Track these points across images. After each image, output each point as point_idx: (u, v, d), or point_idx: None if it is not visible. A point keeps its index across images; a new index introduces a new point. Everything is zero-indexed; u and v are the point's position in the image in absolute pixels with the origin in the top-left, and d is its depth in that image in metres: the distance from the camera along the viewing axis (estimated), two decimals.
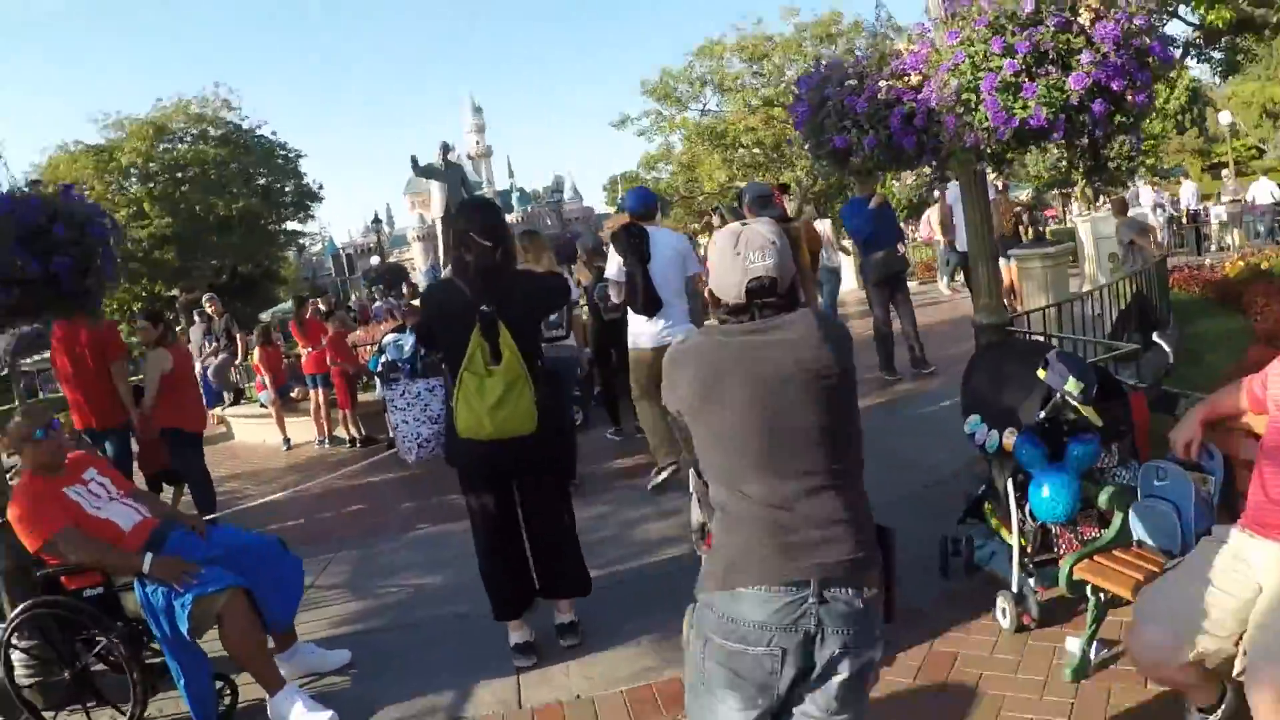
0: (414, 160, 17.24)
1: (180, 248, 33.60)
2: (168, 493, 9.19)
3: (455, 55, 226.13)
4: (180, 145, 35.20)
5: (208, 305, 16.66)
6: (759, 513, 2.53)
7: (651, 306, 7.23)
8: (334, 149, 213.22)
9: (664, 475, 7.57)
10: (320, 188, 40.80)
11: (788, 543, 2.48)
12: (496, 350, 4.37)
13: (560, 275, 4.93)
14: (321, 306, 16.05)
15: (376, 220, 42.52)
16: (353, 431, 12.15)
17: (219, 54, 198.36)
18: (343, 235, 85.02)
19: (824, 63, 5.97)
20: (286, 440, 13.12)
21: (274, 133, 37.94)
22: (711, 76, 37.20)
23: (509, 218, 72.56)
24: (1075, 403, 3.86)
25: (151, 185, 34.17)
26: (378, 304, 21.65)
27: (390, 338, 10.66)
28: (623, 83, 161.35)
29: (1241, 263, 15.51)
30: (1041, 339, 6.63)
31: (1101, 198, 31.49)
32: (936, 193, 13.35)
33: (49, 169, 33.43)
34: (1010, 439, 4.14)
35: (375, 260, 51.93)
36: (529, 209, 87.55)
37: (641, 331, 7.43)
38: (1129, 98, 4.69)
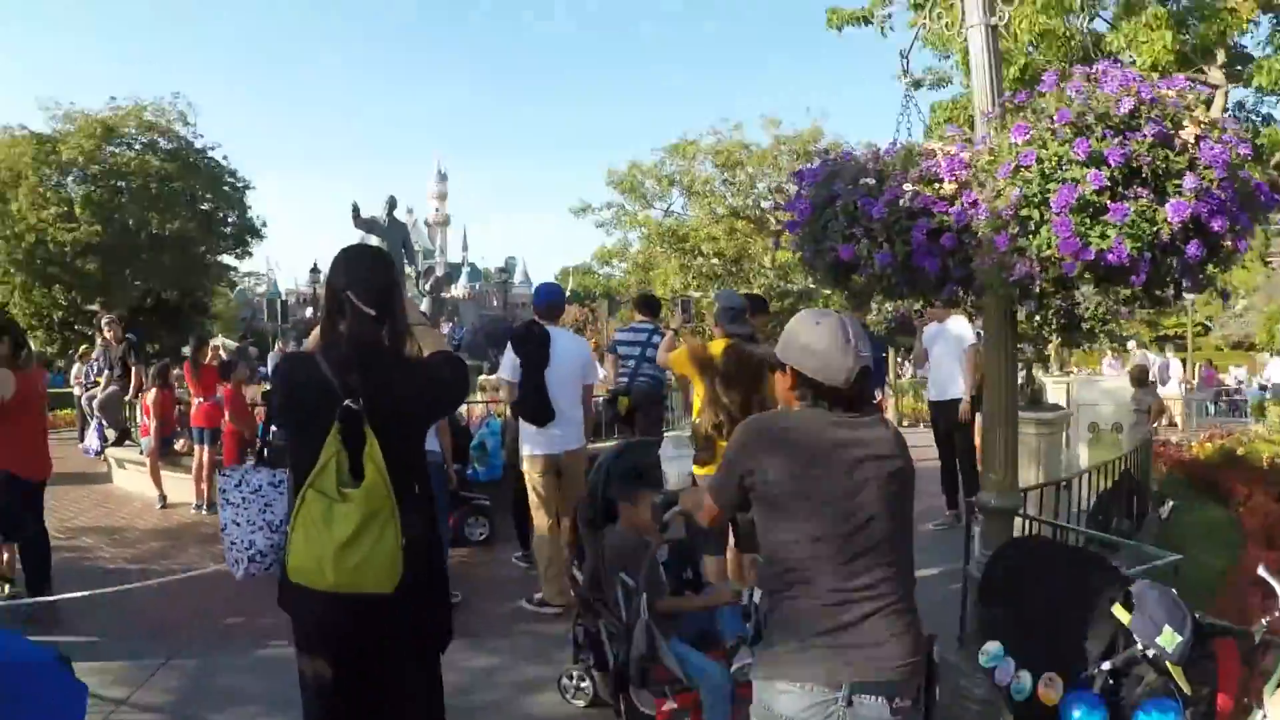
0: (355, 209, 16.21)
1: (104, 260, 31.94)
2: None
3: (427, 119, 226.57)
4: (127, 151, 33.67)
5: (105, 329, 15.22)
6: (815, 608, 2.65)
7: (544, 415, 6.96)
8: (297, 187, 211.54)
9: (546, 611, 7.04)
10: (264, 225, 39.25)
11: (836, 645, 2.61)
12: (358, 465, 3.08)
13: (459, 361, 3.62)
14: (223, 354, 14.75)
15: (315, 270, 41.04)
16: None
17: (185, 67, 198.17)
18: (289, 281, 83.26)
19: (832, 155, 4.97)
20: (162, 497, 11.68)
21: (225, 157, 36.58)
22: (681, 177, 36.55)
23: (456, 291, 71.83)
24: (1165, 660, 2.74)
25: (90, 188, 32.66)
26: None
27: None
28: (590, 173, 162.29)
29: (1209, 444, 14.88)
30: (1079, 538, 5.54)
31: (1065, 362, 31.02)
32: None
33: None
34: (1051, 692, 2.99)
35: (310, 312, 50.33)
36: (478, 286, 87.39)
37: (532, 439, 7.10)
38: (1227, 243, 3.68)
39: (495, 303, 77.40)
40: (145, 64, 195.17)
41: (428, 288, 17.75)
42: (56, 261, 31.52)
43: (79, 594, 6.87)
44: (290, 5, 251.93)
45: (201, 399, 11.58)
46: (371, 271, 3.38)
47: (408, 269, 17.39)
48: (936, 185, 4.30)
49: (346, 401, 3.08)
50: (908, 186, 4.31)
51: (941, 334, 10.16)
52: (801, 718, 2.59)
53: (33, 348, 8.18)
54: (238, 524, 3.45)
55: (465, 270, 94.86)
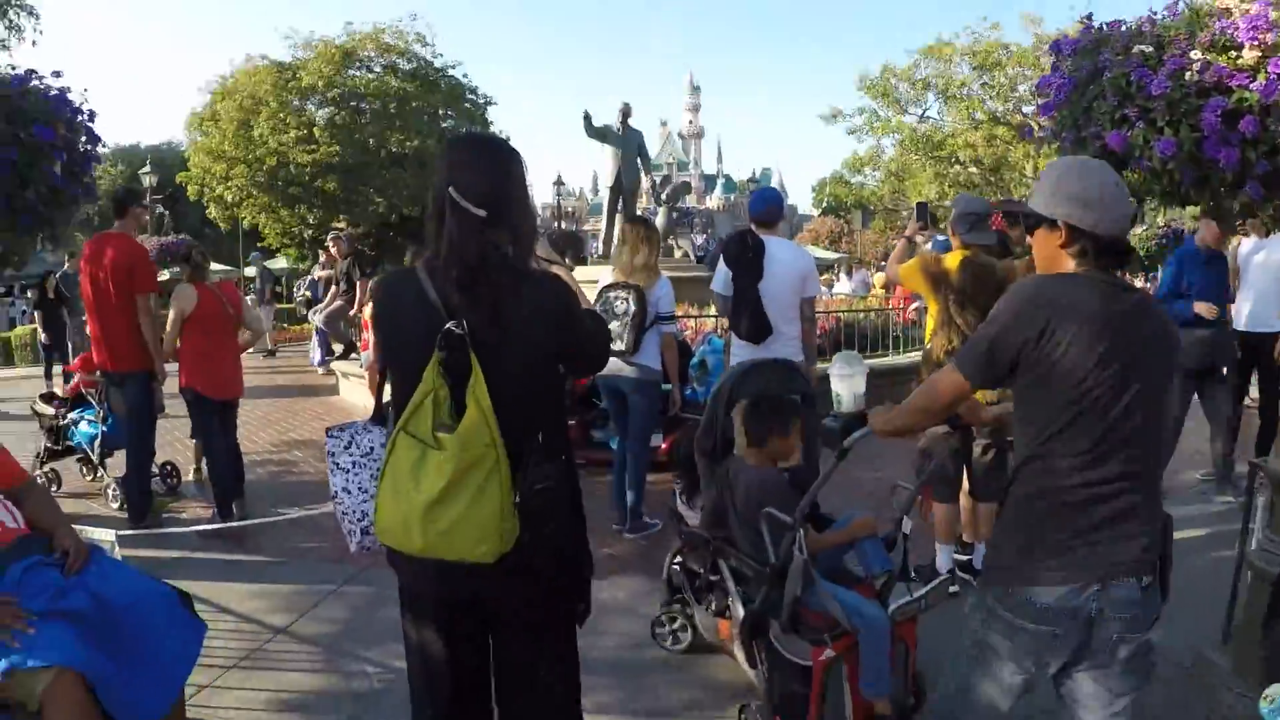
0: (587, 117, 15.74)
1: (344, 179, 32.50)
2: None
3: (676, 28, 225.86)
4: (366, 74, 34.38)
5: (330, 244, 15.49)
6: (1073, 492, 2.59)
7: (759, 332, 6.44)
8: (546, 104, 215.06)
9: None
10: (508, 138, 39.16)
11: (1091, 534, 2.58)
12: (461, 403, 2.49)
13: (601, 320, 2.99)
14: None
15: (559, 181, 41.40)
16: None
17: None
18: (543, 195, 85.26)
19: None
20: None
21: (465, 75, 36.83)
22: (936, 80, 34.77)
23: (711, 202, 71.98)
24: None
25: (331, 110, 33.43)
26: None
27: None
28: (845, 78, 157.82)
29: None
30: None
31: None
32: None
33: (232, 81, 33.35)
34: None
35: (558, 225, 50.88)
36: (733, 197, 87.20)
37: (746, 356, 6.26)
38: None
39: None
40: None
41: (665, 196, 17.20)
42: (298, 182, 32.28)
43: (257, 521, 6.80)
44: None
45: None
46: (481, 161, 2.75)
47: (643, 179, 16.87)
48: (1234, 54, 3.45)
49: (449, 324, 2.52)
50: (1196, 54, 3.48)
51: (1264, 251, 8.48)
52: (1057, 606, 2.59)
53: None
54: (348, 491, 2.95)
55: (720, 182, 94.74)
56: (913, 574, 4.38)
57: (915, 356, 12.28)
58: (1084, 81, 3.75)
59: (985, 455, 5.66)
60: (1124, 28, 3.81)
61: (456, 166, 2.69)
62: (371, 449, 2.94)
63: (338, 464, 2.99)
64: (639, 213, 19.96)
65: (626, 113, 16.25)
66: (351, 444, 2.97)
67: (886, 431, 3.22)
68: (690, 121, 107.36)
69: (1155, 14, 3.87)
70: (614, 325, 6.73)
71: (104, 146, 7.80)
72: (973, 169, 34.50)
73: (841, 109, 36.52)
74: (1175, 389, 2.15)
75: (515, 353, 2.61)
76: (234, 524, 7.12)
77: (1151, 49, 3.53)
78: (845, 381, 3.69)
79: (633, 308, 6.72)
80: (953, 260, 5.53)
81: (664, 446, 8.71)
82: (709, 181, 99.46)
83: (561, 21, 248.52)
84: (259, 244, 37.07)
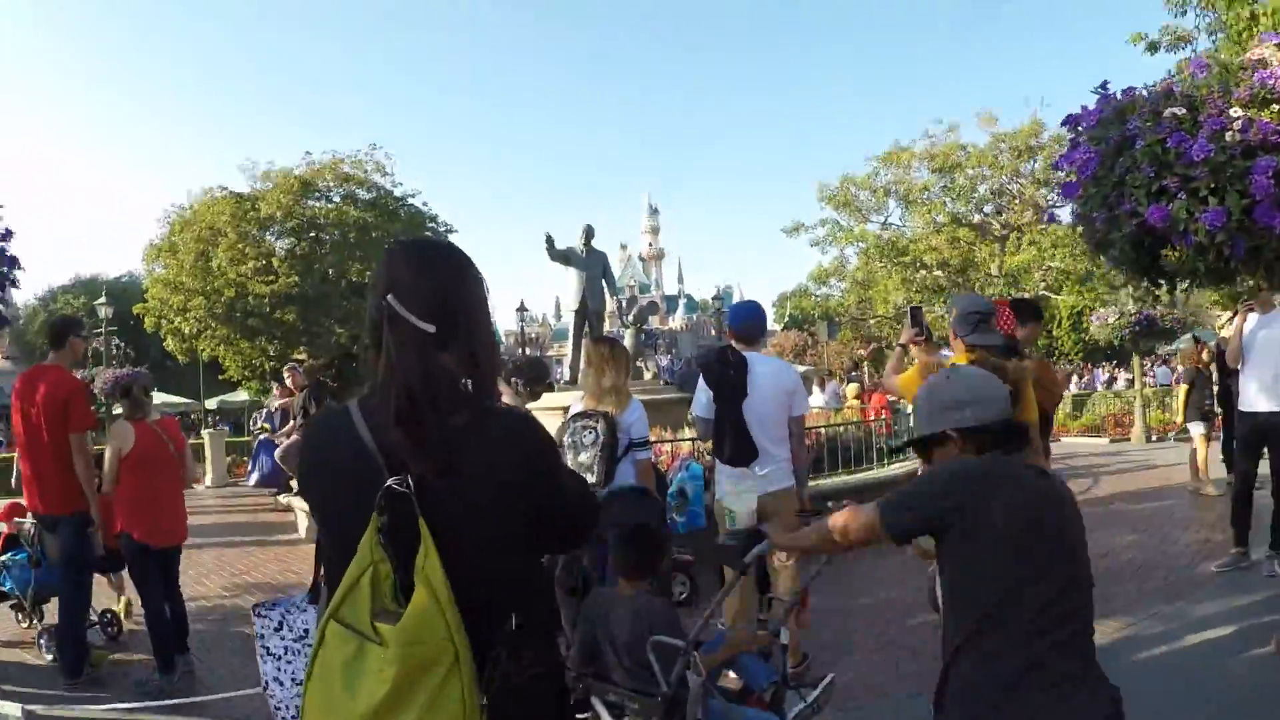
0: (549, 240, 15.29)
1: (303, 309, 32.30)
2: None
3: (630, 151, 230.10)
4: (325, 204, 34.31)
5: (287, 375, 14.96)
6: (1018, 662, 2.50)
7: (744, 455, 6.02)
8: (503, 236, 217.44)
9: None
10: None
11: (1036, 704, 2.48)
12: (408, 583, 1.90)
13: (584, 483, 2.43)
14: None
15: (521, 308, 41.11)
16: None
17: (380, 120, 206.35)
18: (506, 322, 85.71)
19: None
20: None
21: (425, 204, 36.86)
22: (896, 186, 34.98)
23: (674, 323, 72.30)
24: None
25: (290, 241, 33.31)
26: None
27: None
28: (803, 192, 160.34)
29: None
30: None
31: None
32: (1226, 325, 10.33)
33: (190, 212, 33.28)
34: None
35: (521, 351, 50.46)
36: (695, 317, 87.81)
37: (730, 480, 6.09)
38: None
39: (712, 332, 77.60)
40: (341, 124, 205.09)
41: (632, 318, 16.75)
42: (257, 313, 32.05)
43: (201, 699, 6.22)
44: (483, 56, 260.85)
45: None
46: (428, 265, 2.17)
47: (609, 301, 16.45)
48: (1276, 107, 3.01)
49: (390, 480, 1.94)
50: (1235, 112, 3.02)
51: (1267, 330, 8.18)
52: None
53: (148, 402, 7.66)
54: (280, 683, 2.36)
55: (682, 302, 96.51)
56: (791, 683, 4.35)
57: (898, 470, 11.82)
58: (1111, 154, 3.33)
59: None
60: (1145, 92, 3.42)
61: (397, 272, 2.12)
62: (306, 631, 2.36)
63: (268, 649, 2.41)
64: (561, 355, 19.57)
65: (589, 234, 15.83)
66: (283, 625, 2.39)
67: (786, 547, 3.31)
68: (650, 244, 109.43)
69: (1172, 76, 3.47)
70: (583, 457, 6.22)
71: (21, 270, 7.22)
72: (938, 272, 34.50)
73: (804, 222, 36.60)
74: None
75: (478, 514, 2.01)
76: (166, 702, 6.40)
77: (1184, 110, 3.13)
78: (739, 499, 3.85)
79: (603, 436, 6.20)
80: (958, 363, 5.05)
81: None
82: (671, 302, 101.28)
83: (518, 152, 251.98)
84: (220, 376, 36.75)
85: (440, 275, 2.16)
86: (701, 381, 6.33)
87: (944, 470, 2.76)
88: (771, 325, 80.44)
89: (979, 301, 5.41)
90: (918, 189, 34.37)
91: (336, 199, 34.71)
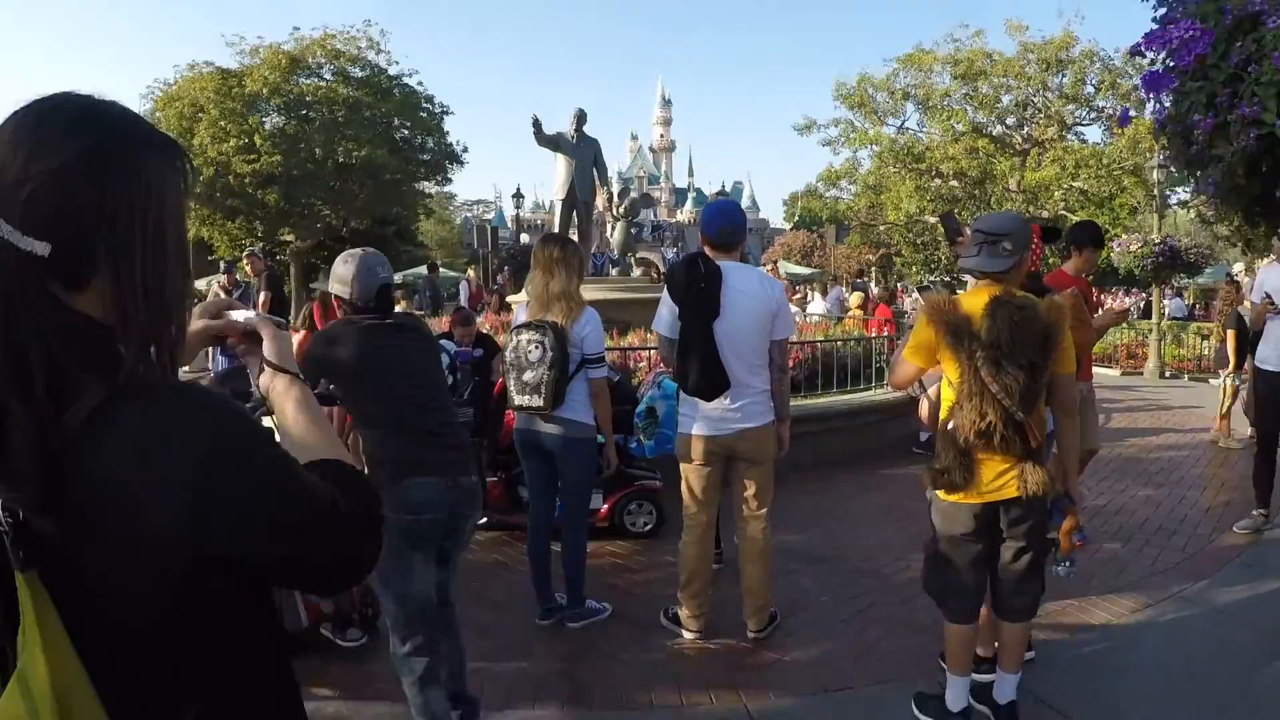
0: (536, 124, 14.11)
1: (287, 189, 31.18)
2: None
3: (645, 35, 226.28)
4: (316, 81, 33.01)
5: (245, 263, 13.95)
6: None
7: (713, 386, 5.08)
8: (509, 120, 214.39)
9: (683, 636, 5.49)
10: (465, 150, 37.57)
11: None
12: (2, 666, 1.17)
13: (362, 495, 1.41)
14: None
15: (517, 194, 39.78)
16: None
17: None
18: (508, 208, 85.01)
19: None
20: None
21: (421, 83, 35.40)
22: (916, 90, 33.55)
23: (681, 216, 72.18)
24: None
25: (279, 119, 32.09)
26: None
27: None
28: (821, 88, 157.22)
29: None
30: None
31: None
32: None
33: (175, 88, 32.18)
34: None
35: (525, 239, 49.12)
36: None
37: (696, 415, 5.25)
38: None
39: None
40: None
41: (623, 210, 15.54)
42: (238, 193, 31.16)
43: None
44: None
45: None
46: (41, 144, 1.22)
47: (599, 191, 15.37)
48: None
49: None
50: None
51: None
52: None
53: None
54: None
55: (691, 196, 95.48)
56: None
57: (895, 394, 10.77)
58: (1224, 36, 2.36)
59: (1016, 561, 4.24)
60: None
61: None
62: None
63: None
64: (597, 228, 18.46)
65: (581, 119, 14.63)
66: None
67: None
68: (661, 135, 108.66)
69: None
70: (528, 376, 5.31)
71: None
72: (954, 182, 33.27)
73: (816, 120, 35.20)
74: None
75: (109, 570, 1.22)
76: None
77: None
78: None
79: (551, 352, 5.28)
80: (974, 302, 4.09)
81: (603, 510, 7.37)
82: (680, 195, 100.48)
83: (528, 33, 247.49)
84: (210, 257, 36.07)
85: (65, 159, 1.22)
86: (665, 295, 5.31)
87: None
88: (780, 224, 79.61)
89: (997, 221, 4.34)
90: (938, 94, 32.98)
91: (328, 76, 33.43)
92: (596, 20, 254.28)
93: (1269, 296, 7.42)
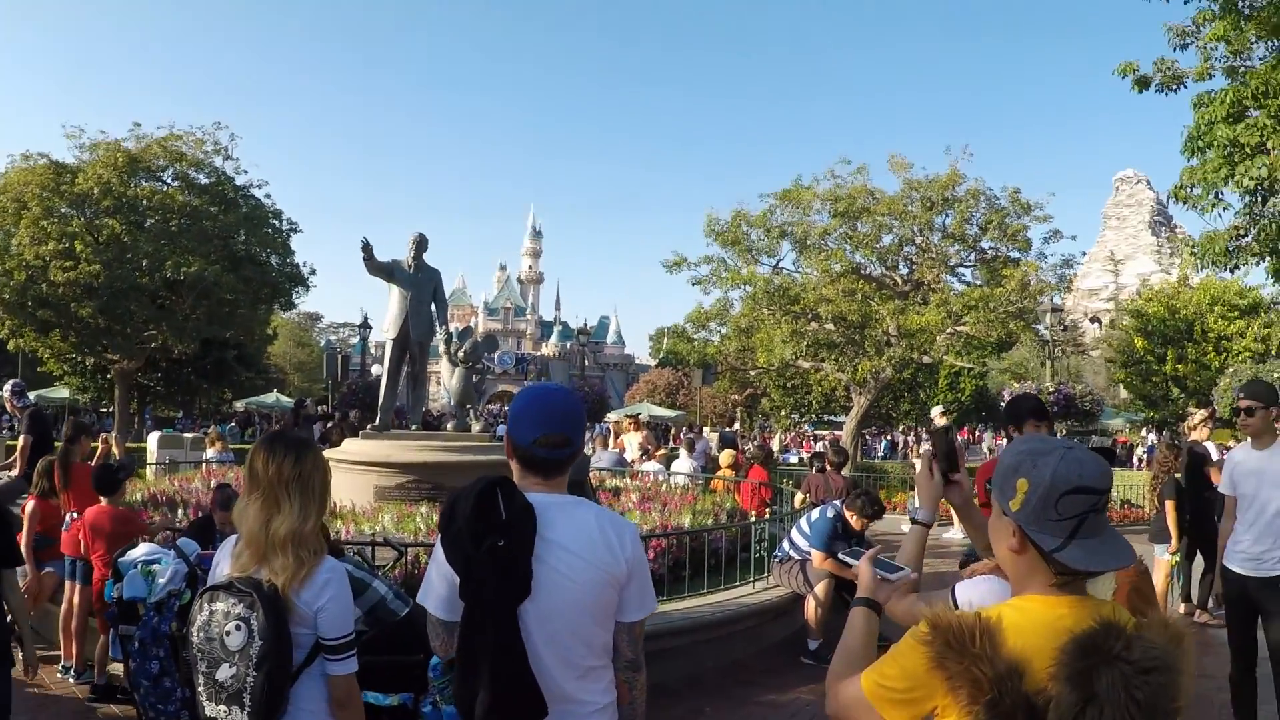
0: (366, 248, 11.94)
1: (105, 304, 28.69)
2: None
3: (521, 164, 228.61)
4: (157, 185, 31.07)
5: (6, 398, 11.64)
6: None
7: (516, 713, 2.84)
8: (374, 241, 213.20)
9: None
10: (313, 273, 35.71)
11: None
12: None
13: None
14: (115, 452, 11.09)
15: (364, 325, 37.87)
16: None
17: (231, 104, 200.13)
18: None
19: None
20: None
21: (269, 195, 33.66)
22: (793, 228, 32.59)
23: (546, 349, 71.20)
24: None
25: (104, 222, 29.46)
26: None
27: (141, 550, 5.84)
28: (694, 227, 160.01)
29: None
30: None
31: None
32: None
33: (3, 180, 29.77)
34: None
35: (376, 370, 46.80)
36: (569, 344, 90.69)
37: None
38: None
39: (586, 362, 76.10)
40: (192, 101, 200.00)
41: (463, 354, 13.56)
42: (51, 304, 28.70)
43: None
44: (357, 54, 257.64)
45: (75, 515, 8.08)
46: None
47: (437, 330, 13.42)
48: None
49: None
50: None
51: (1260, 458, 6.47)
52: None
53: None
54: None
55: (557, 329, 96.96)
56: None
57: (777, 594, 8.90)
58: None
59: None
60: None
61: None
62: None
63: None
64: (432, 371, 16.43)
65: (421, 245, 12.58)
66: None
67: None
68: (530, 266, 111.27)
69: None
70: (224, 673, 3.19)
71: None
72: (831, 325, 32.18)
73: (686, 257, 34.01)
74: None
75: None
76: None
77: None
78: None
79: (258, 638, 3.20)
80: (1037, 630, 2.22)
81: None
82: (546, 328, 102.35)
83: (399, 149, 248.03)
84: (39, 369, 33.69)
85: None
86: (438, 554, 3.00)
87: None
88: (646, 359, 78.95)
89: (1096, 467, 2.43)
90: (816, 233, 32.07)
91: (169, 180, 31.41)
92: (476, 145, 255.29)
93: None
